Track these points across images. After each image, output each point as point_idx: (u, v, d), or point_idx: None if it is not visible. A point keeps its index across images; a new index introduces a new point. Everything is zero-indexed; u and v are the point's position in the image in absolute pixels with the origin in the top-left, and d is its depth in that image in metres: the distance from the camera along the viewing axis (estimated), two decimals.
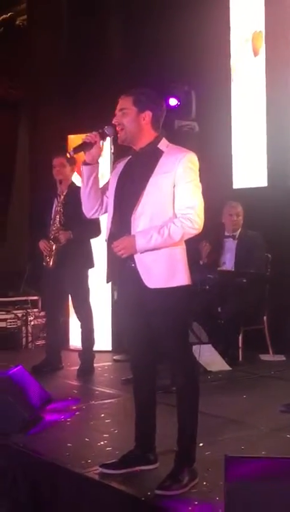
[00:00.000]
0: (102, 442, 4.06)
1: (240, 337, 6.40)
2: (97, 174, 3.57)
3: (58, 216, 5.86)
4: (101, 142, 3.51)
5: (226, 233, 6.70)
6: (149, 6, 8.19)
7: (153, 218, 3.32)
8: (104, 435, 4.20)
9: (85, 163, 3.54)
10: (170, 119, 7.42)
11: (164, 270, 3.34)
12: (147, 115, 3.45)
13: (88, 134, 3.50)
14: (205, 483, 3.36)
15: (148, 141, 3.47)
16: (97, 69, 8.49)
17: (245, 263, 6.39)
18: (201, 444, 3.83)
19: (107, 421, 4.56)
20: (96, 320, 6.23)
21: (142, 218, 3.33)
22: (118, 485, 3.37)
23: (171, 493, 3.22)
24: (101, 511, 3.36)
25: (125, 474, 3.48)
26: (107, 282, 3.58)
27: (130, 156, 3.57)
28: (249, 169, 7.43)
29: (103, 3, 8.77)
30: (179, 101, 7.44)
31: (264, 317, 6.55)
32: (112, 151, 6.92)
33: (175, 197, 3.34)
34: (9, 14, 11.08)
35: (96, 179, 3.56)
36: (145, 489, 3.29)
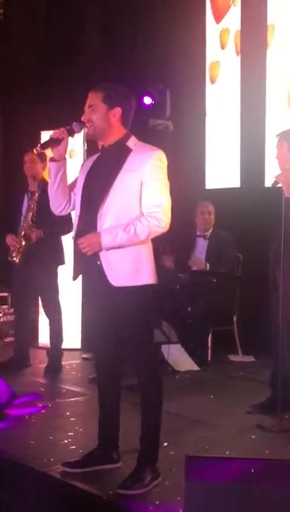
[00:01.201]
0: (66, 441, 4.03)
1: (209, 338, 6.40)
2: (65, 171, 3.53)
3: (30, 213, 5.81)
4: (68, 138, 3.48)
5: (198, 233, 6.71)
6: (127, 3, 8.16)
7: (120, 215, 3.30)
8: (69, 433, 4.17)
9: (53, 160, 3.50)
10: (144, 118, 7.43)
11: (129, 268, 3.31)
12: (117, 111, 3.42)
13: (55, 130, 3.46)
14: (167, 483, 3.35)
15: (117, 138, 3.44)
16: (73, 65, 8.44)
17: (216, 263, 6.40)
18: (165, 444, 3.83)
19: (72, 419, 4.54)
20: (66, 318, 6.18)
21: (109, 215, 3.30)
22: (79, 483, 3.34)
23: (132, 492, 3.20)
24: (62, 510, 3.34)
25: (87, 473, 3.46)
26: (74, 279, 3.54)
27: (98, 153, 3.55)
28: (222, 170, 7.45)
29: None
30: (153, 100, 7.42)
31: (234, 318, 6.56)
32: (85, 148, 6.89)
33: (142, 195, 3.31)
34: None
35: (64, 176, 3.52)
36: (107, 488, 3.28)
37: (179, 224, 6.78)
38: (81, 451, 3.71)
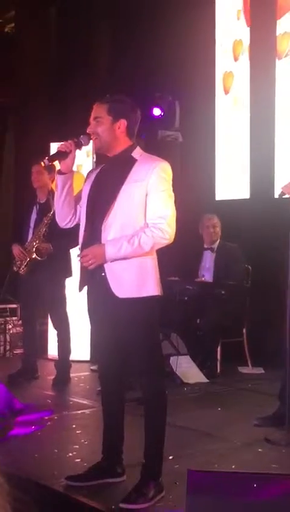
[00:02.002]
0: (70, 454, 4.01)
1: (219, 350, 6.36)
2: (72, 183, 3.52)
3: (44, 228, 5.77)
4: (76, 150, 3.47)
5: (205, 246, 6.69)
6: (136, 17, 8.19)
7: (124, 227, 3.29)
8: (74, 446, 4.16)
9: (60, 173, 3.49)
10: (154, 129, 7.45)
11: (134, 280, 3.30)
12: (122, 123, 3.41)
13: (63, 143, 3.46)
14: (171, 496, 3.32)
15: (122, 149, 3.43)
16: (83, 78, 8.49)
17: (224, 275, 6.37)
18: (171, 457, 3.81)
19: (78, 432, 4.52)
20: (74, 329, 6.17)
21: (113, 227, 3.29)
22: (83, 497, 3.32)
23: (135, 506, 3.18)
24: None
25: (91, 487, 3.44)
26: (80, 291, 3.53)
27: (103, 165, 3.54)
28: (232, 181, 7.43)
29: (91, 13, 8.77)
30: (162, 111, 7.44)
31: (244, 330, 6.52)
32: (94, 160, 6.89)
33: (147, 206, 3.30)
34: None
35: (70, 188, 3.52)
36: (111, 502, 3.26)
37: (188, 235, 6.86)
38: (85, 464, 3.69)
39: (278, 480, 2.77)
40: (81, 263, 3.32)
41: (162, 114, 7.46)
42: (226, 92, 7.53)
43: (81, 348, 6.70)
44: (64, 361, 6.03)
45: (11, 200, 9.74)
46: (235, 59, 7.42)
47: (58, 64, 9.24)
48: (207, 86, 7.60)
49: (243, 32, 7.33)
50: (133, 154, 3.42)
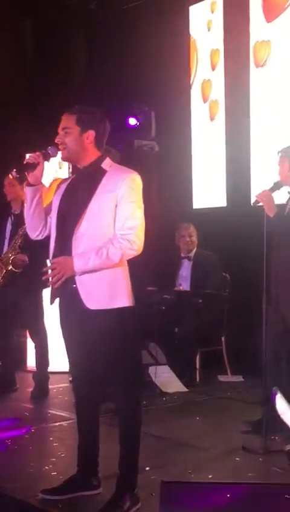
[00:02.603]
0: (47, 467, 3.97)
1: (198, 358, 6.35)
2: (41, 195, 3.51)
3: (20, 240, 5.75)
4: (44, 162, 3.46)
5: (182, 255, 6.69)
6: (112, 28, 8.20)
7: (94, 238, 3.27)
8: (51, 459, 4.13)
9: (28, 185, 3.48)
10: (130, 139, 7.44)
11: (105, 291, 3.29)
12: (90, 134, 3.40)
13: (31, 154, 3.45)
14: (146, 508, 3.29)
15: (91, 160, 3.42)
16: (60, 88, 8.46)
17: (201, 284, 6.37)
18: (147, 468, 3.80)
19: (55, 444, 4.49)
20: (53, 340, 6.12)
21: (84, 238, 3.28)
22: (58, 511, 3.29)
23: None
24: None
25: (66, 500, 3.41)
26: (51, 303, 3.51)
27: (72, 176, 3.53)
28: (209, 189, 7.44)
29: (67, 24, 8.76)
30: (138, 121, 7.44)
31: (223, 338, 6.51)
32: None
33: (116, 217, 3.29)
34: None
35: (40, 200, 3.50)
36: None
37: (166, 245, 6.85)
38: (62, 477, 3.66)
39: (254, 490, 2.77)
40: (50, 278, 3.30)
41: (138, 124, 7.46)
42: (205, 100, 7.54)
43: (60, 359, 6.64)
44: (42, 373, 5.99)
45: None
46: (213, 68, 7.44)
47: (34, 76, 9.22)
48: (183, 95, 7.62)
49: (219, 42, 7.36)
50: (102, 166, 3.41)
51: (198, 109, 7.59)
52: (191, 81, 7.64)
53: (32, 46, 9.40)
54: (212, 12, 7.45)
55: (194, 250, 6.65)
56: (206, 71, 7.52)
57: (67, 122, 3.41)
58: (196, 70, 7.66)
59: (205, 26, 7.53)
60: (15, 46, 9.30)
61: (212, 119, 7.43)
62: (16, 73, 9.19)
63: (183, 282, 6.56)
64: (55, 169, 6.88)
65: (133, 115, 7.45)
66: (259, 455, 4.14)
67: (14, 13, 9.25)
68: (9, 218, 5.96)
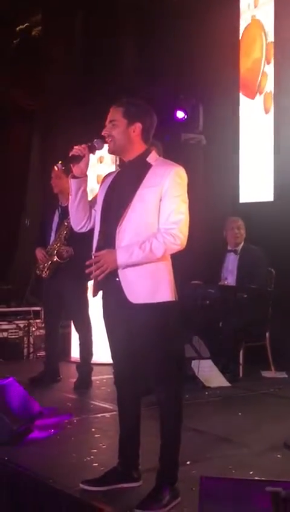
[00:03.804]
0: (88, 458, 4.00)
1: (241, 353, 6.32)
2: (86, 188, 3.53)
3: (65, 232, 5.80)
4: (90, 154, 3.47)
5: (229, 248, 6.65)
6: (161, 19, 8.18)
7: (139, 232, 3.27)
8: (92, 450, 4.14)
9: (73, 177, 3.49)
10: (177, 132, 7.43)
11: (148, 285, 3.28)
12: (137, 126, 3.39)
13: (76, 147, 3.46)
14: (186, 503, 3.28)
15: (138, 153, 3.41)
16: (109, 80, 8.49)
17: (247, 278, 6.33)
18: (188, 462, 3.79)
19: (97, 435, 4.50)
20: (97, 332, 6.15)
21: (127, 232, 3.28)
22: (97, 502, 3.30)
23: None
24: None
25: (106, 492, 3.42)
26: (94, 296, 3.53)
27: (118, 169, 3.53)
28: (256, 184, 7.37)
29: (117, 16, 8.78)
30: (186, 114, 7.42)
31: (267, 333, 6.46)
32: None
33: (160, 211, 3.28)
34: (25, 25, 11.11)
35: (84, 192, 3.51)
36: (125, 507, 3.24)
37: (211, 238, 6.82)
38: (103, 468, 3.67)
39: None
40: (93, 271, 3.31)
41: (186, 117, 7.44)
42: (260, 92, 7.44)
43: (103, 351, 6.68)
44: (86, 365, 6.03)
45: (39, 203, 9.77)
46: (268, 62, 7.34)
47: (84, 67, 9.27)
48: (231, 88, 7.55)
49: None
50: (148, 159, 3.40)
51: (247, 102, 7.51)
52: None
53: (83, 41, 9.44)
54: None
55: (242, 244, 6.61)
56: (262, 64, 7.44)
57: (115, 115, 3.41)
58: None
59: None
60: (66, 38, 9.39)
61: (267, 111, 7.31)
62: (67, 65, 9.28)
63: (229, 276, 6.52)
64: (92, 164, 6.88)
65: (181, 108, 7.43)
66: None
67: (65, 4, 9.32)
68: (57, 211, 6.00)
